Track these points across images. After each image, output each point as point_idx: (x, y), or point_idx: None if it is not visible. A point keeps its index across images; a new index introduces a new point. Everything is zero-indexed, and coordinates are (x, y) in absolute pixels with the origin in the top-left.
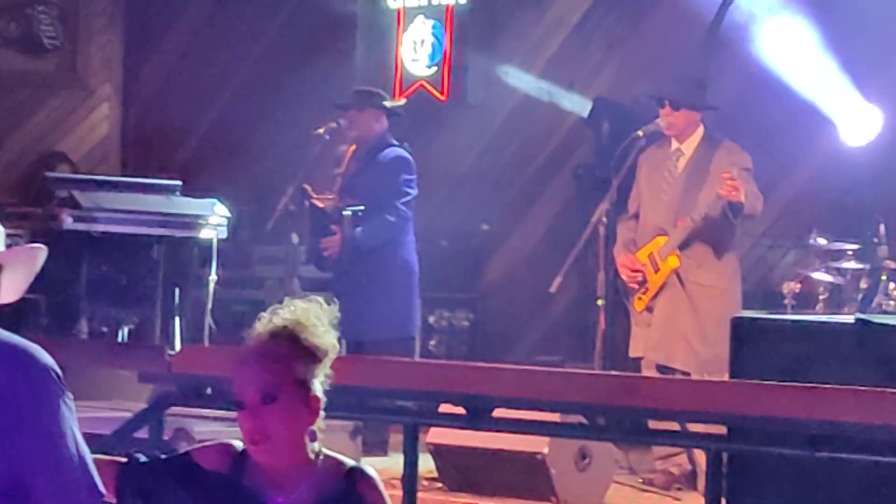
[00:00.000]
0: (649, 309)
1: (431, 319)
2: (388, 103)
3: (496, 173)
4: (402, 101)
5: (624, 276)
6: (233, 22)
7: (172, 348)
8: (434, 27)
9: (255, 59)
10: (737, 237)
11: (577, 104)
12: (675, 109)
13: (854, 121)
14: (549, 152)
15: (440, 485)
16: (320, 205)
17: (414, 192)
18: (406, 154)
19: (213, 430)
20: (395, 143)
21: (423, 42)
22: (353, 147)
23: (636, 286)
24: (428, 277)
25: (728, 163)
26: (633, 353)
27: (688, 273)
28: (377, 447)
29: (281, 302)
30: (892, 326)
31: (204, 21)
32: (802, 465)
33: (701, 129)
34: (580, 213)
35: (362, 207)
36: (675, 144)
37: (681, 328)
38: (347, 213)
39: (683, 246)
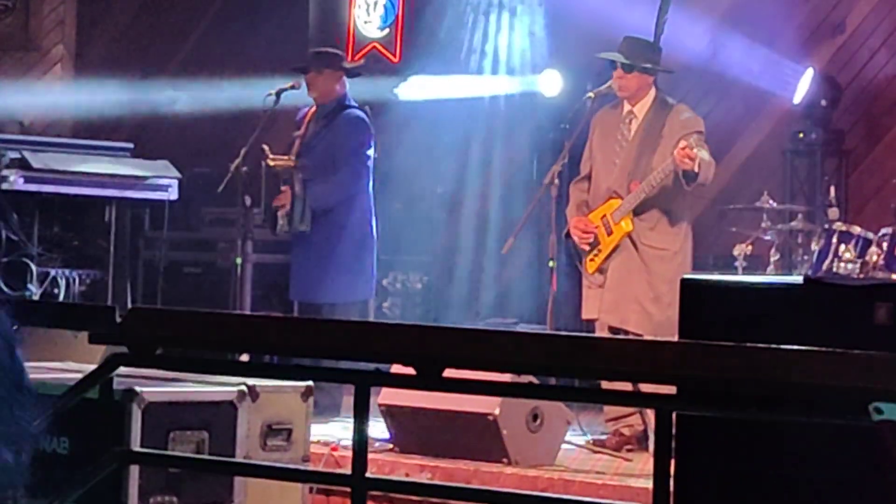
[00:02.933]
0: (601, 271)
1: (385, 282)
2: (346, 65)
3: (449, 137)
4: (361, 62)
5: (575, 238)
6: None
7: (124, 309)
8: None
9: (208, 20)
10: (689, 201)
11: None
12: (628, 72)
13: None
14: (502, 114)
15: (391, 446)
16: (272, 163)
17: (370, 153)
18: (364, 116)
19: (164, 391)
20: (355, 104)
21: (375, 4)
22: (313, 109)
23: (587, 247)
24: (382, 240)
25: (680, 126)
26: (585, 315)
27: (640, 236)
28: (330, 410)
29: (232, 264)
30: (841, 286)
31: None
32: (751, 425)
33: (653, 92)
34: (533, 175)
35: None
36: (626, 107)
37: (634, 291)
38: (298, 174)
39: (637, 210)
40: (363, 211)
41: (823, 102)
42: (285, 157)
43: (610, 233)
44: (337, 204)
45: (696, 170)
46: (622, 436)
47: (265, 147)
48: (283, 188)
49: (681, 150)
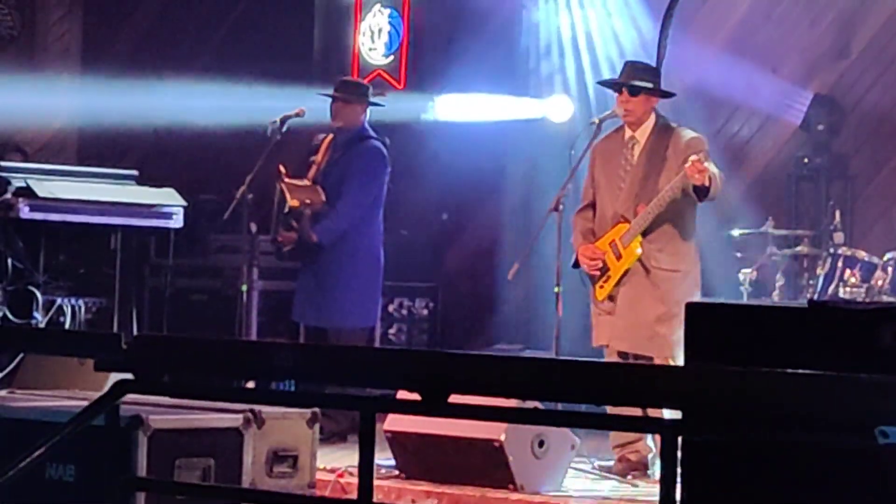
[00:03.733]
0: (611, 297)
1: (391, 308)
2: (372, 97)
3: (455, 163)
4: (385, 95)
5: (584, 266)
6: (190, 10)
7: (129, 337)
8: (391, 16)
9: (213, 48)
10: (695, 221)
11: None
12: (634, 95)
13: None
14: (509, 141)
15: (397, 473)
16: (287, 194)
17: (384, 184)
18: (382, 147)
19: (170, 418)
20: (374, 135)
21: (380, 31)
22: (330, 137)
23: (597, 273)
24: (388, 266)
25: (685, 146)
26: (596, 342)
27: (650, 258)
28: (337, 436)
29: (238, 291)
30: (845, 310)
31: (161, 10)
32: (758, 451)
33: (653, 117)
34: (539, 202)
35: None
36: (628, 133)
37: (644, 315)
38: (307, 211)
39: (646, 232)
40: (371, 237)
41: (820, 127)
42: (301, 181)
43: (619, 257)
44: (343, 233)
45: (706, 183)
46: (628, 461)
47: (281, 168)
48: (282, 232)
49: (692, 165)
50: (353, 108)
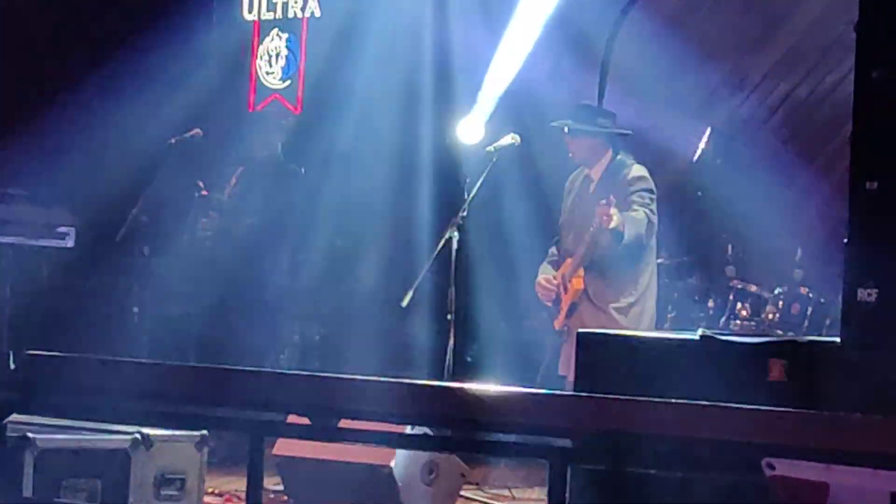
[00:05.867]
0: (566, 327)
1: (283, 334)
2: (285, 122)
3: (349, 189)
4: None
5: (538, 293)
6: (84, 28)
7: (18, 356)
8: (289, 40)
9: (108, 67)
10: (646, 256)
11: None
12: (574, 137)
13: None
14: (404, 167)
15: (286, 497)
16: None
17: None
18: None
19: (57, 438)
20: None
21: (278, 55)
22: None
23: (549, 304)
24: (281, 292)
25: (625, 184)
26: (560, 371)
27: (597, 293)
28: (230, 460)
29: (129, 313)
30: (736, 343)
31: (57, 26)
32: (646, 479)
33: (608, 155)
34: (433, 228)
35: None
36: (585, 171)
37: None
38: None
39: (590, 268)
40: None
41: (719, 161)
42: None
43: (566, 291)
44: None
45: (613, 226)
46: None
47: (200, 183)
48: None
49: (599, 209)
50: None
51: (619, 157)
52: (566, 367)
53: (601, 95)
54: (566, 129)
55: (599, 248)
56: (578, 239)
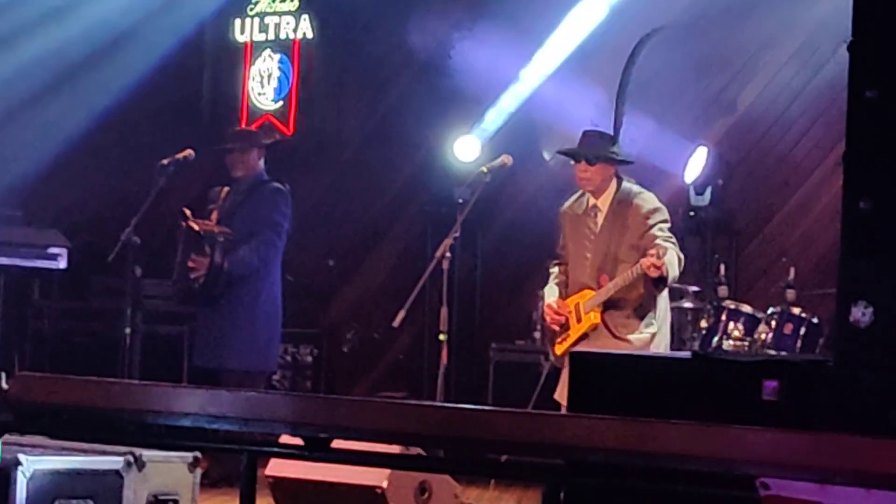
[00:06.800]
0: (567, 355)
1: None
2: (266, 140)
3: (342, 209)
4: (279, 136)
5: (547, 318)
6: (79, 51)
7: (10, 377)
8: (281, 61)
9: (100, 89)
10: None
11: None
12: (591, 164)
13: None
14: (396, 188)
15: None
16: (196, 227)
17: (286, 225)
18: (284, 189)
19: (49, 459)
20: (272, 179)
21: (269, 76)
22: (227, 188)
23: (557, 329)
24: None
25: (642, 218)
26: (556, 396)
27: (617, 325)
28: (224, 481)
29: (122, 333)
30: (729, 362)
31: (51, 48)
32: (638, 497)
33: (614, 183)
34: (426, 248)
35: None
36: (591, 201)
37: None
38: (220, 238)
39: (608, 305)
40: (273, 282)
41: (720, 181)
42: (207, 223)
43: (579, 320)
44: (254, 271)
45: (665, 275)
46: None
47: (186, 210)
48: (194, 257)
49: (647, 260)
50: (251, 156)
51: (624, 183)
52: (562, 394)
53: (618, 125)
54: (584, 158)
55: (633, 290)
56: (592, 273)
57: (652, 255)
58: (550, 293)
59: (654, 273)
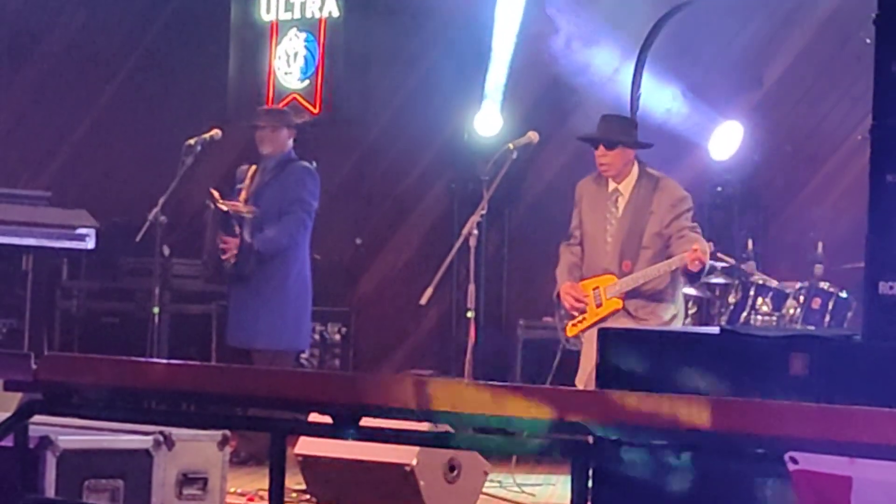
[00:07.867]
0: (578, 337)
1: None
2: (297, 120)
3: (369, 187)
4: (308, 116)
5: (566, 303)
6: (106, 32)
7: (39, 357)
8: (307, 40)
9: (128, 69)
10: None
11: None
12: (610, 149)
13: (717, 137)
14: (422, 166)
15: (308, 496)
16: (224, 208)
17: (315, 204)
18: (312, 168)
19: (79, 439)
20: (299, 158)
21: (296, 55)
22: (254, 167)
23: (576, 314)
24: None
25: (670, 206)
26: (577, 381)
27: (638, 309)
28: (254, 459)
29: (150, 313)
30: (757, 337)
31: (76, 31)
32: (667, 472)
33: (636, 168)
34: (453, 226)
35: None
36: (612, 185)
37: None
38: (248, 216)
39: (632, 293)
40: (303, 262)
41: (756, 157)
42: (236, 203)
43: (599, 305)
44: (284, 250)
45: (705, 269)
46: None
47: (214, 192)
48: (225, 237)
49: (693, 254)
50: (280, 134)
51: (645, 167)
52: (581, 378)
53: (634, 108)
54: (602, 143)
55: (662, 279)
56: (614, 257)
57: (697, 250)
58: (565, 274)
59: (696, 267)
